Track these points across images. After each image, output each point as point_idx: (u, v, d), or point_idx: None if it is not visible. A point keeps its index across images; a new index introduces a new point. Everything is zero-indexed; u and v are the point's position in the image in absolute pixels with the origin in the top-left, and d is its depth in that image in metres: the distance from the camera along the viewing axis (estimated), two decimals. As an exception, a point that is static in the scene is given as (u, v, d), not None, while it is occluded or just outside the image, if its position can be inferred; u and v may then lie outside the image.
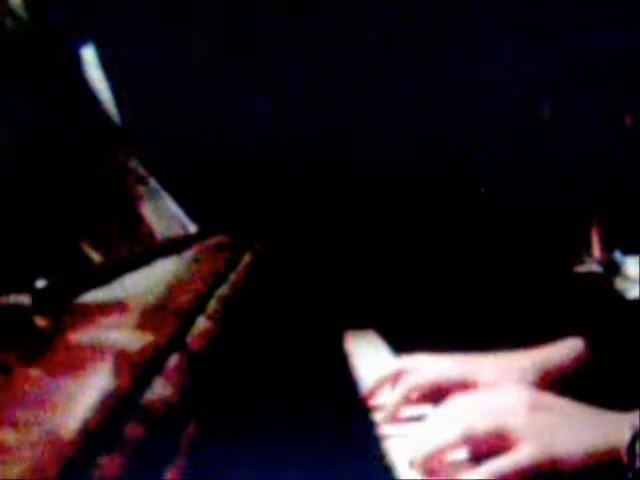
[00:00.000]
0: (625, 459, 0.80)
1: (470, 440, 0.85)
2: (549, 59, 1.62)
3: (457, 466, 0.85)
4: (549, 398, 0.89)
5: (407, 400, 1.02)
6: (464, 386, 1.02)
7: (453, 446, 0.85)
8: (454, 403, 0.92)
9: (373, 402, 1.06)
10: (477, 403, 0.89)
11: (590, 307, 1.38)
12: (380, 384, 1.08)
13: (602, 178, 1.61)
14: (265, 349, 1.03)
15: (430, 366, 1.06)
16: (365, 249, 1.66)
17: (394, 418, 1.01)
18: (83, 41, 1.43)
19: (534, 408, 0.86)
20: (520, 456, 0.82)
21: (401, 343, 1.27)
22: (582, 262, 1.59)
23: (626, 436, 0.81)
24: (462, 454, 0.86)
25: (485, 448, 0.84)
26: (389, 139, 1.65)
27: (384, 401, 1.04)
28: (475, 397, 0.93)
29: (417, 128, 1.65)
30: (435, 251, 1.65)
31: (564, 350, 1.06)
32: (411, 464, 0.85)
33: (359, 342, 1.39)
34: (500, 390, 0.93)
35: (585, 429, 0.84)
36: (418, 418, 0.99)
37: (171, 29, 1.62)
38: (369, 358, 1.27)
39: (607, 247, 1.56)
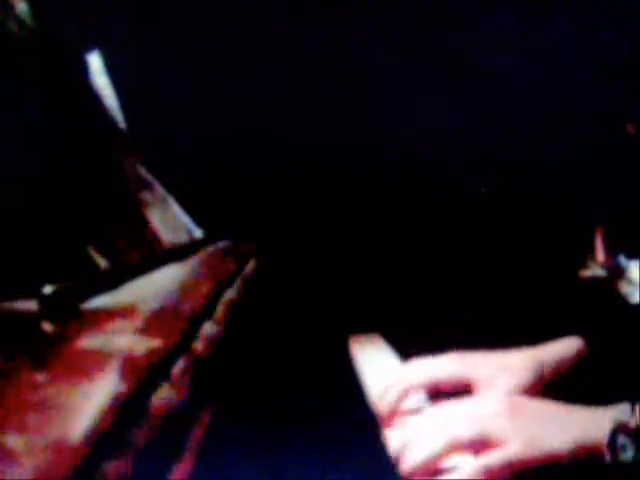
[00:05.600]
0: (606, 453, 0.81)
1: (457, 448, 0.85)
2: (551, 63, 1.62)
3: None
4: (529, 402, 0.91)
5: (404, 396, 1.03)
6: (461, 384, 1.03)
7: (440, 456, 0.86)
8: (438, 412, 0.93)
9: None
10: (460, 411, 0.90)
11: (594, 311, 1.38)
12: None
13: (606, 182, 1.61)
14: (271, 354, 1.03)
15: (427, 364, 1.06)
16: (368, 253, 1.66)
17: (390, 421, 1.01)
18: (89, 48, 1.44)
19: (515, 412, 0.87)
20: (508, 452, 0.83)
21: (406, 347, 1.27)
22: (586, 266, 1.59)
23: (608, 430, 0.82)
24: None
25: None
26: (388, 140, 1.66)
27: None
28: (458, 406, 0.94)
29: (416, 128, 1.65)
30: (437, 254, 1.65)
31: (563, 348, 1.06)
32: (401, 475, 0.85)
33: (364, 346, 1.39)
34: (481, 398, 0.95)
35: (566, 428, 0.84)
36: (416, 411, 1.00)
37: (176, 36, 1.62)
38: (375, 362, 1.27)
39: (611, 251, 1.56)
